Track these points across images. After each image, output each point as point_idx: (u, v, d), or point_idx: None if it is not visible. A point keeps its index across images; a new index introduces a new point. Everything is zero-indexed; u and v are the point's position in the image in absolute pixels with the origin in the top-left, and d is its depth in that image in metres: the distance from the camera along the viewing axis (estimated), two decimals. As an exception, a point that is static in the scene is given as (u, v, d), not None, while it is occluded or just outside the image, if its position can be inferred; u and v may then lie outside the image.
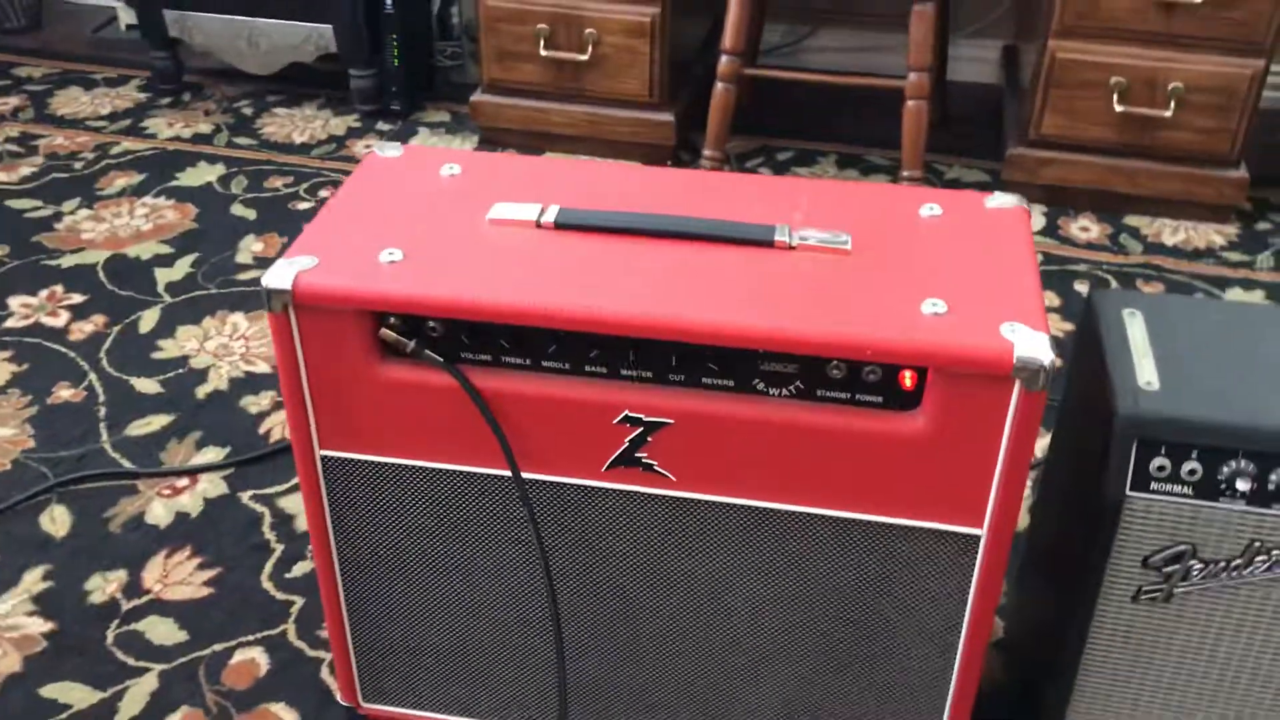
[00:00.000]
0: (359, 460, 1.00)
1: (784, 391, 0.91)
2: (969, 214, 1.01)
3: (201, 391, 1.65)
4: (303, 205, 2.11)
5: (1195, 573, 0.94)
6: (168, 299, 1.84)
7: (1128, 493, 0.92)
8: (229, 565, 1.37)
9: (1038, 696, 1.08)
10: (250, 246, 1.98)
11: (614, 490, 0.97)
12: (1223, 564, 0.93)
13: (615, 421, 0.94)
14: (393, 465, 1.00)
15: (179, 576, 1.36)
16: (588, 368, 0.94)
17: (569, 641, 1.05)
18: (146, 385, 1.66)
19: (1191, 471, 0.90)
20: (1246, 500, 0.90)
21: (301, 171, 2.22)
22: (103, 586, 1.35)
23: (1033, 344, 0.85)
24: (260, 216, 2.07)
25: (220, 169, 2.23)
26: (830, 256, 0.95)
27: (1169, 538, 0.93)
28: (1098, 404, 0.96)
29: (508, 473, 0.98)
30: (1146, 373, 0.94)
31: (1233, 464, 0.90)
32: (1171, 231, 2.09)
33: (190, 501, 1.46)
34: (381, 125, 2.41)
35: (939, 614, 0.98)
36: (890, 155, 2.29)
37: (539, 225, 0.98)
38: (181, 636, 1.29)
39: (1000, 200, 1.03)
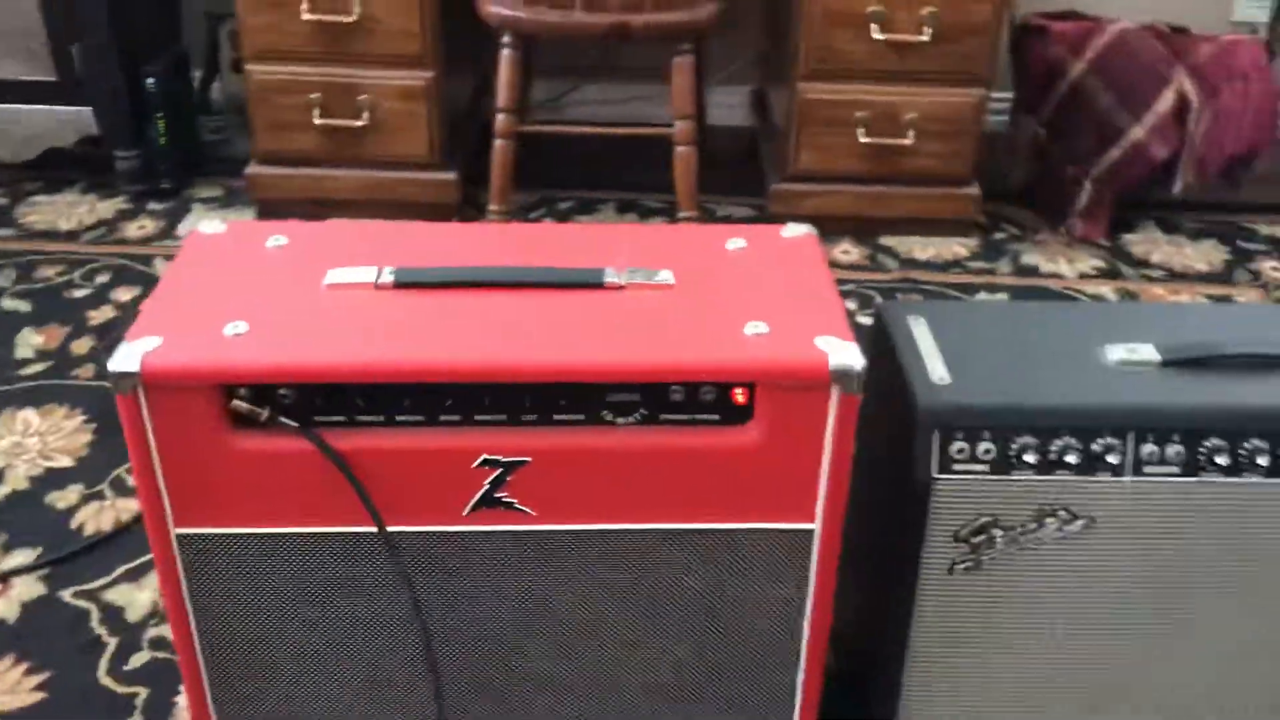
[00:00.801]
0: (218, 535, 1.00)
1: (630, 419, 0.99)
2: (769, 244, 1.12)
3: (0, 493, 1.58)
4: (80, 293, 2.04)
5: (999, 541, 1.07)
6: (-54, 402, 1.75)
7: (934, 476, 1.04)
8: (60, 667, 1.33)
9: (873, 678, 1.19)
10: (29, 340, 1.91)
11: (478, 532, 1.02)
12: (1020, 529, 1.06)
13: (474, 465, 0.99)
14: (254, 535, 1.01)
15: (4, 686, 1.30)
16: (442, 417, 0.98)
17: (446, 681, 1.08)
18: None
19: (986, 451, 1.03)
20: (1034, 470, 1.04)
21: (74, 259, 2.15)
22: (-80, 708, 1.28)
23: (845, 353, 0.95)
24: (36, 308, 1.99)
25: (-17, 263, 2.12)
26: (656, 292, 1.03)
27: (973, 512, 1.05)
28: (899, 402, 1.08)
29: (373, 529, 1.01)
30: (938, 370, 1.07)
31: (1019, 441, 1.03)
32: (922, 248, 2.30)
33: (5, 607, 1.40)
34: (153, 205, 2.35)
35: (786, 607, 1.07)
36: (664, 198, 2.42)
37: (377, 286, 1.02)
38: (19, 747, 1.24)
39: (793, 230, 1.15)
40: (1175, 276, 2.24)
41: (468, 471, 0.99)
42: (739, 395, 0.98)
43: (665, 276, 1.04)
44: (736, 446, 0.99)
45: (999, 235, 2.36)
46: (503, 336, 0.97)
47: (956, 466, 1.04)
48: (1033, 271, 2.24)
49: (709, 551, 1.03)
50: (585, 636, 1.08)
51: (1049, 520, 1.06)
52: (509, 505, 1.01)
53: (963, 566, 1.08)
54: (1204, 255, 2.32)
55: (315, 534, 1.01)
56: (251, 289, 1.02)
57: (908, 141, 2.21)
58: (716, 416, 0.99)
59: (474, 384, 0.96)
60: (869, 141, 2.21)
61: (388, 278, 1.02)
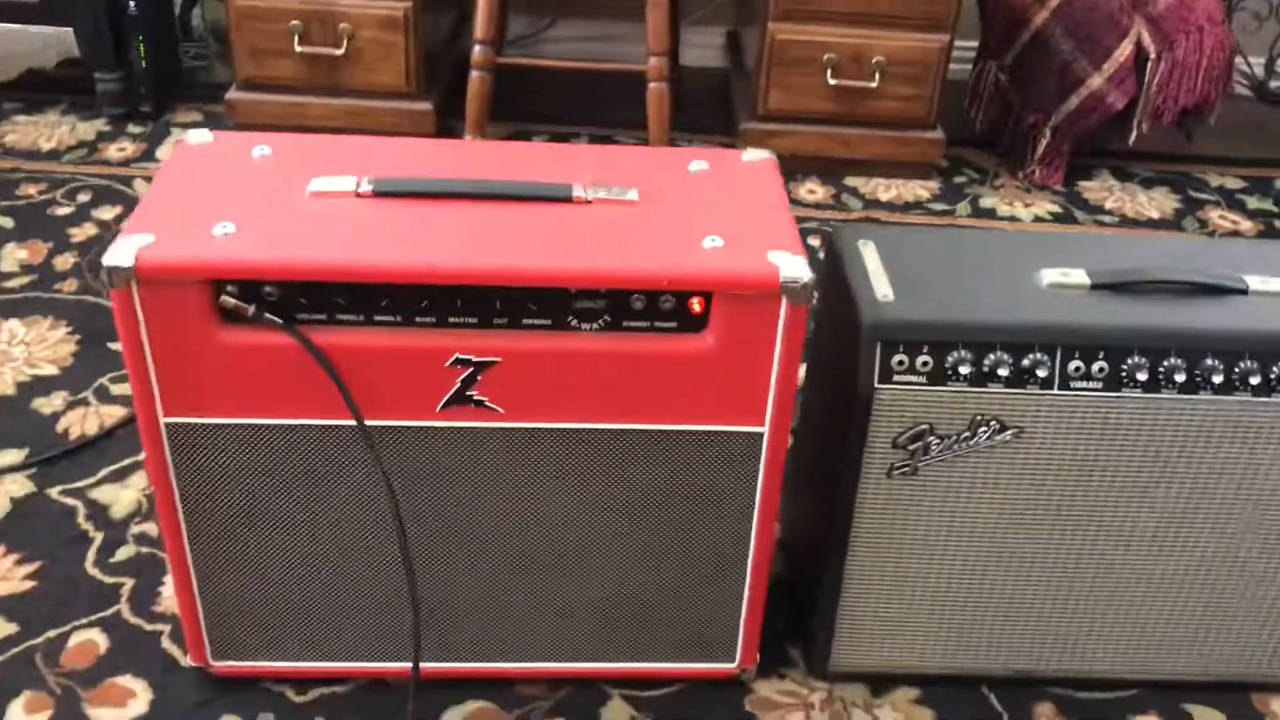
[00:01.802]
0: (204, 424, 1.07)
1: (594, 325, 1.06)
2: (730, 167, 1.19)
3: (-13, 398, 1.63)
4: (62, 211, 2.08)
5: (934, 448, 1.15)
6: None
7: (876, 386, 1.12)
8: (50, 558, 1.39)
9: (815, 580, 1.27)
10: (14, 255, 1.95)
11: (449, 428, 1.09)
12: (954, 437, 1.14)
13: (447, 365, 1.06)
14: (238, 425, 1.07)
15: (-3, 574, 1.37)
16: (418, 318, 1.05)
17: (419, 571, 1.16)
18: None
19: (924, 363, 1.11)
20: (968, 382, 1.11)
21: (55, 178, 2.19)
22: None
23: (794, 266, 1.03)
24: (18, 224, 2.03)
25: (-36, 179, 2.16)
26: (621, 208, 1.10)
27: (911, 420, 1.13)
28: (845, 319, 1.15)
29: (349, 422, 1.08)
30: (882, 288, 1.14)
31: (955, 354, 1.11)
32: (885, 189, 2.37)
33: (-4, 503, 1.47)
34: (133, 128, 2.38)
35: (735, 505, 1.15)
36: (637, 135, 2.47)
37: (358, 194, 1.08)
38: (11, 629, 1.30)
39: (753, 155, 1.21)
40: (1127, 223, 2.33)
41: (441, 370, 1.06)
42: (696, 304, 1.05)
43: (630, 193, 1.11)
44: (693, 353, 1.06)
45: (959, 179, 2.43)
46: (475, 243, 1.04)
47: (896, 377, 1.12)
48: (990, 214, 2.31)
49: (665, 451, 1.11)
50: (549, 530, 1.15)
51: (981, 429, 1.14)
52: (479, 403, 1.08)
53: (900, 471, 1.16)
54: (1156, 203, 2.40)
55: (296, 425, 1.08)
56: (238, 194, 1.08)
57: (874, 84, 2.27)
58: (674, 324, 1.06)
59: (448, 287, 1.03)
60: (836, 83, 2.27)
61: (367, 186, 1.08)
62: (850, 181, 2.39)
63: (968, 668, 1.30)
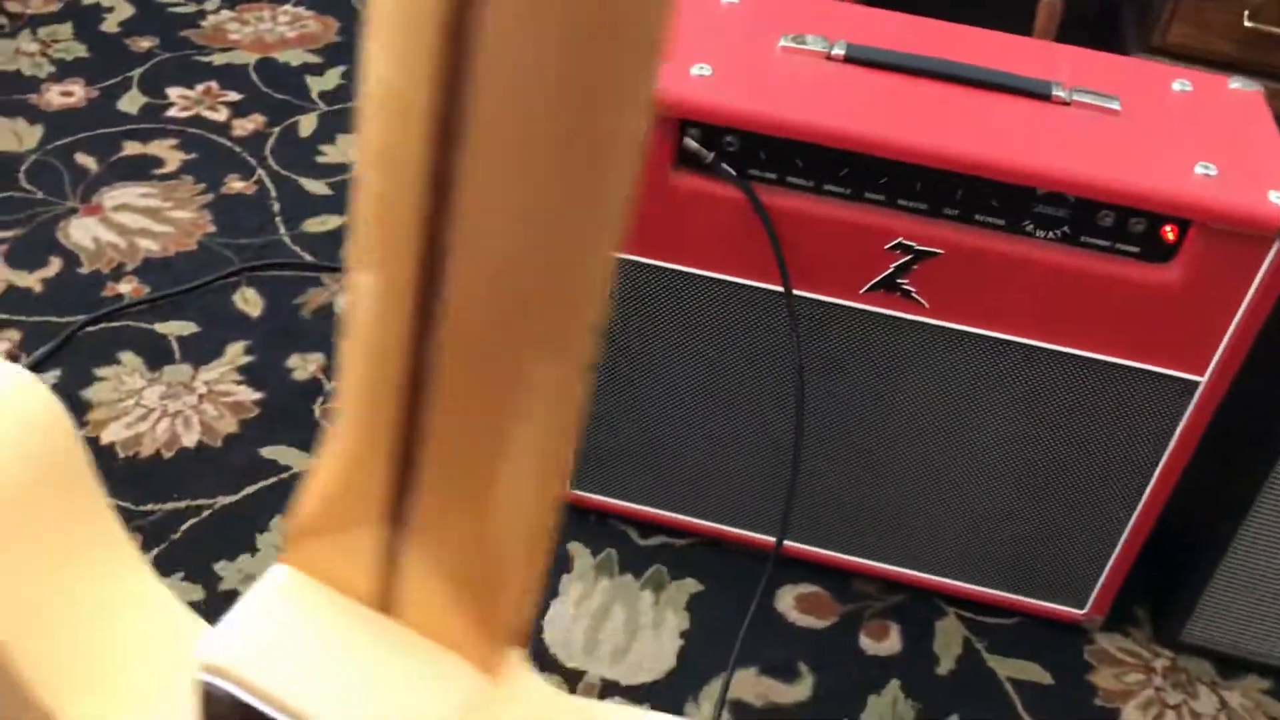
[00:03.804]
0: (636, 262, 1.08)
1: (1051, 234, 1.00)
2: (1216, 92, 1.09)
3: (370, 198, 1.71)
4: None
5: (1382, 436, 1.05)
6: (323, 106, 1.89)
7: (1339, 358, 1.02)
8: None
9: (1195, 542, 1.20)
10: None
11: (868, 312, 1.06)
12: None
13: (885, 248, 1.02)
14: (668, 270, 1.07)
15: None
16: (868, 194, 1.02)
17: (805, 449, 1.15)
18: (315, 186, 1.72)
19: (1402, 344, 1.01)
20: None
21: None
22: (303, 365, 1.43)
23: (1298, 211, 0.94)
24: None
25: (356, -15, 2.25)
26: (1102, 115, 1.02)
27: (1366, 403, 1.04)
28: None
29: (773, 287, 1.06)
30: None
31: None
32: None
33: (374, 298, 1.54)
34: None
35: (1142, 452, 1.08)
36: (1008, 46, 2.34)
37: (828, 57, 1.05)
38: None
39: (1240, 83, 1.11)
40: None
41: (878, 252, 1.03)
42: (1169, 232, 0.98)
43: (1112, 102, 1.03)
44: (1152, 284, 0.99)
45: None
46: (945, 125, 0.99)
47: (1364, 353, 1.02)
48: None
49: (1090, 382, 1.05)
50: (940, 435, 1.12)
51: None
52: (906, 293, 1.04)
53: (1334, 453, 1.07)
54: None
55: (719, 280, 1.07)
56: (710, 38, 1.06)
57: (1295, 32, 2.06)
58: (1138, 249, 0.99)
59: (908, 165, 0.99)
60: (1252, 26, 2.08)
61: (840, 51, 1.05)
62: (1236, 134, 2.20)
63: (1335, 673, 1.21)
